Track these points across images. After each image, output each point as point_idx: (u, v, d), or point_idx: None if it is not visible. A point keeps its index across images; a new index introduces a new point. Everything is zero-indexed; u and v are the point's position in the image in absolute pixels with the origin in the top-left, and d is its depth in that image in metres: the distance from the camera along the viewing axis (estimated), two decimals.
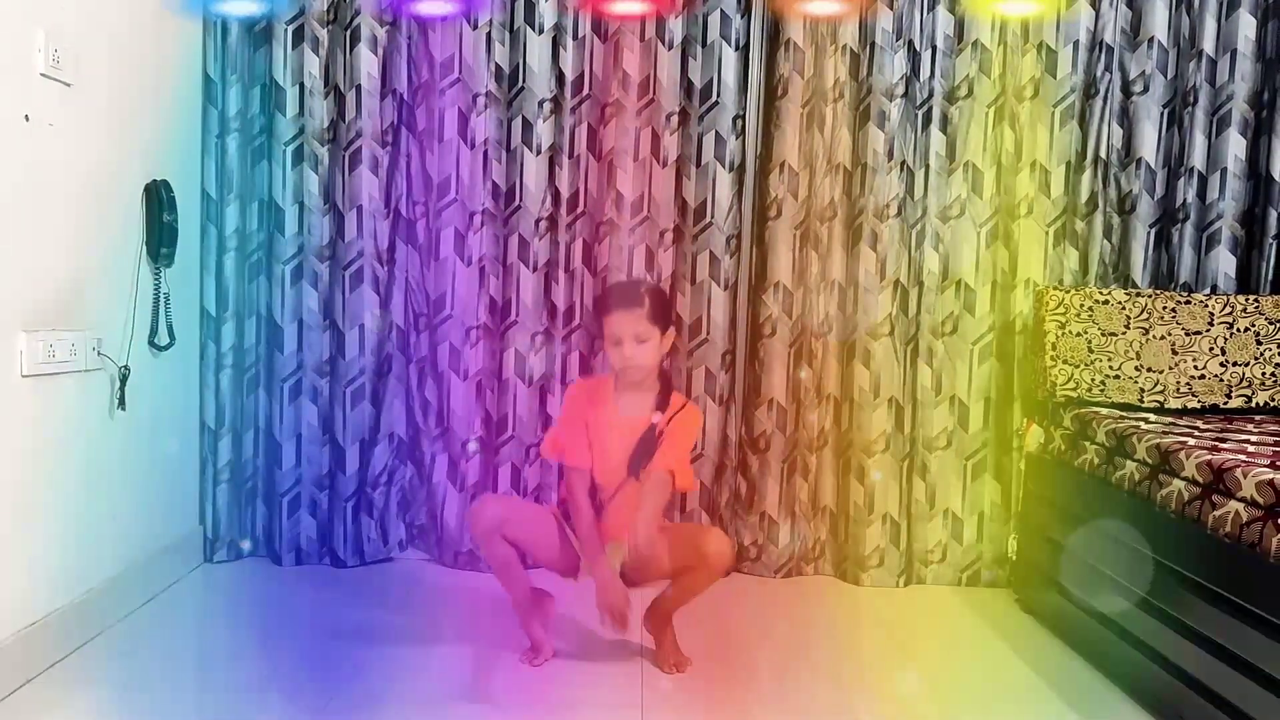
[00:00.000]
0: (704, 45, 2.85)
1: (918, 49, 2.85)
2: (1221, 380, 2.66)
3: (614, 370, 2.21)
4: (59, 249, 2.16)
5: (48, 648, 2.11)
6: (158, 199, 2.50)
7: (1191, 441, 2.11)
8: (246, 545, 2.93)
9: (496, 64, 2.85)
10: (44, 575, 2.13)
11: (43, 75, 2.05)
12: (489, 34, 2.84)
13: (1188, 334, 2.68)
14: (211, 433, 2.89)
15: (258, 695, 2.03)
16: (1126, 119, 2.88)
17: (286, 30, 2.80)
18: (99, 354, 2.30)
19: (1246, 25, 2.82)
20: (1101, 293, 2.73)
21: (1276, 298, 2.73)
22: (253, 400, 2.91)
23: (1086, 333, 2.67)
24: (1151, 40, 2.84)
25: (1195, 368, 2.67)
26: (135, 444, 2.51)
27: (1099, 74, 2.85)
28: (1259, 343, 2.68)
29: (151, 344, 2.54)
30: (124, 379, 2.38)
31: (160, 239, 2.50)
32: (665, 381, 2.24)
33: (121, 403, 2.38)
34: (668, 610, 2.22)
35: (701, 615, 2.32)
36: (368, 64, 2.81)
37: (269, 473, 2.91)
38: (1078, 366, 2.66)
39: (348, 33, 2.81)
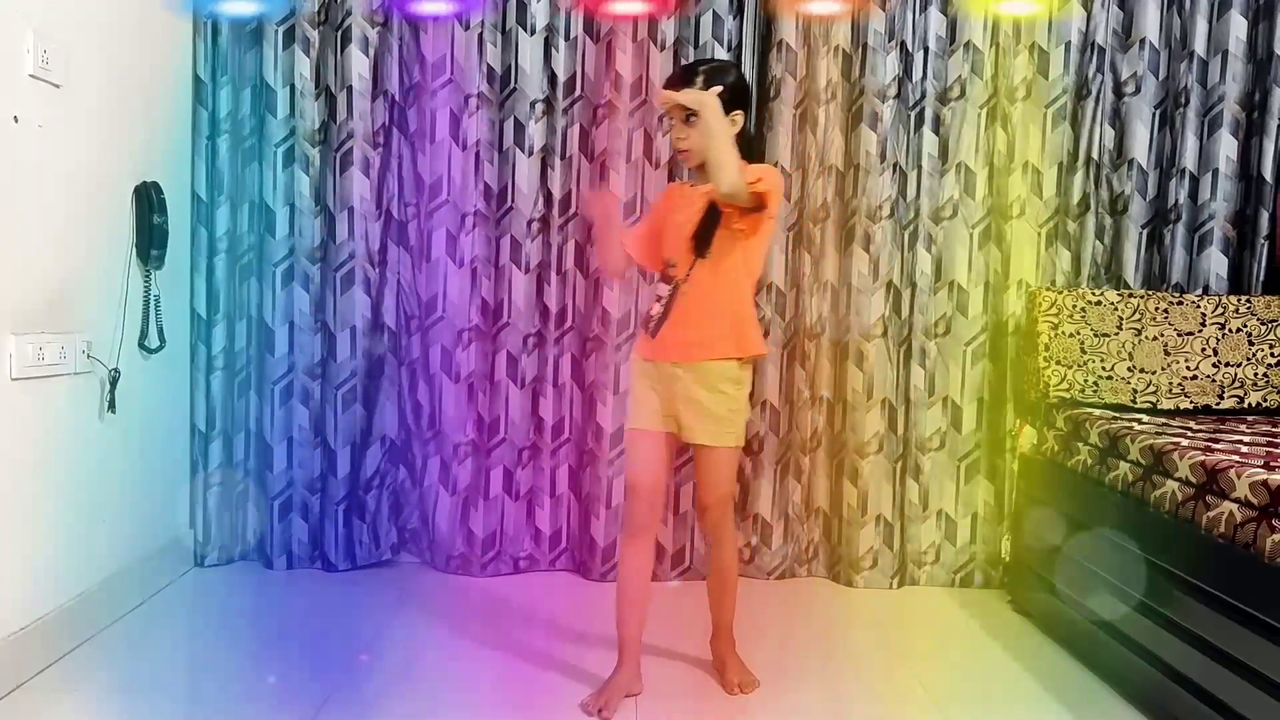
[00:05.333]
0: (696, 46, 2.85)
1: (910, 50, 2.85)
2: (1214, 381, 2.67)
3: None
4: (48, 251, 2.15)
5: (38, 653, 2.09)
6: (148, 201, 2.49)
7: (1185, 442, 2.12)
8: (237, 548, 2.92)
9: (488, 65, 2.85)
10: (33, 580, 2.12)
11: (31, 76, 2.04)
12: (481, 35, 2.83)
13: (1180, 335, 2.69)
14: (202, 436, 2.87)
15: (249, 700, 2.02)
16: (1118, 120, 2.89)
17: (277, 31, 2.79)
18: (89, 357, 2.29)
19: (1237, 26, 2.83)
20: (1094, 293, 2.73)
21: (1268, 298, 2.74)
22: (243, 403, 2.89)
23: (1079, 333, 2.68)
24: (1143, 41, 2.85)
25: (1188, 368, 2.67)
26: (125, 447, 2.49)
27: (1091, 75, 2.86)
28: (1251, 343, 2.69)
29: (142, 347, 2.53)
30: (114, 382, 2.37)
31: (150, 241, 2.49)
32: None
33: (111, 406, 2.37)
34: (724, 626, 2.19)
35: (696, 618, 2.31)
36: (359, 65, 2.80)
37: (260, 476, 2.90)
38: (1070, 367, 2.66)
39: (339, 34, 2.80)
